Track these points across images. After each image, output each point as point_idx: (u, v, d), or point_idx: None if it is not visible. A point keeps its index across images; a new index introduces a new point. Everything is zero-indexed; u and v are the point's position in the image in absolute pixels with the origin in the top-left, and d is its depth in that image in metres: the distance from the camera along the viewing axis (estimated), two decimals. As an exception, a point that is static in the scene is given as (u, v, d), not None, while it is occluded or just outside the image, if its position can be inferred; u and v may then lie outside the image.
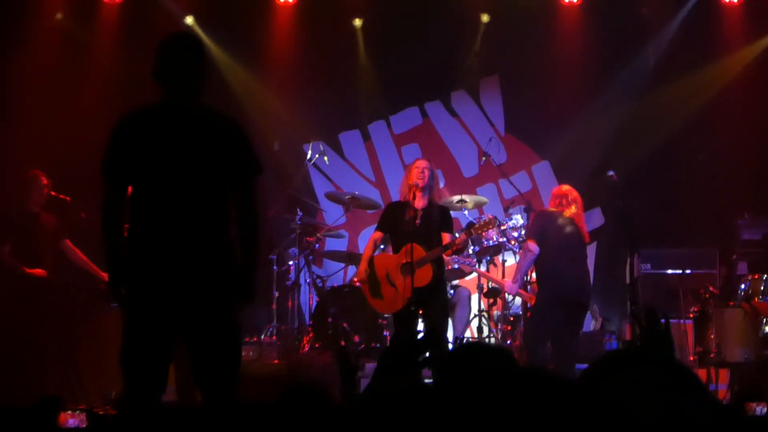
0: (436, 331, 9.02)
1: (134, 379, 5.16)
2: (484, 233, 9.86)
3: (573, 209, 9.36)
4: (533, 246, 9.29)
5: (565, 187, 9.59)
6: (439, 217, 9.26)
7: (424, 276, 9.01)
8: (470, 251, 10.81)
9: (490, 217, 9.87)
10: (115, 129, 5.30)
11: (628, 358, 2.11)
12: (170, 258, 5.15)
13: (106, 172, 5.27)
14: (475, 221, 10.12)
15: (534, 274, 9.86)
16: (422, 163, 9.40)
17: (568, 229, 9.29)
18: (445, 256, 9.42)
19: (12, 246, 9.76)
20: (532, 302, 9.71)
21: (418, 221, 9.16)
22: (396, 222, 9.34)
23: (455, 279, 11.17)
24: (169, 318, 5.15)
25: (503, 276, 10.92)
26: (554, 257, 9.22)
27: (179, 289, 5.14)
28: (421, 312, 9.13)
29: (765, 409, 8.05)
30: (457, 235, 9.40)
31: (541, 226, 9.37)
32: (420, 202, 9.23)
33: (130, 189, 5.33)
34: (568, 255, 9.26)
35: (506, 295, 10.90)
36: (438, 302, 9.19)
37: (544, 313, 9.25)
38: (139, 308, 5.18)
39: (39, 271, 9.71)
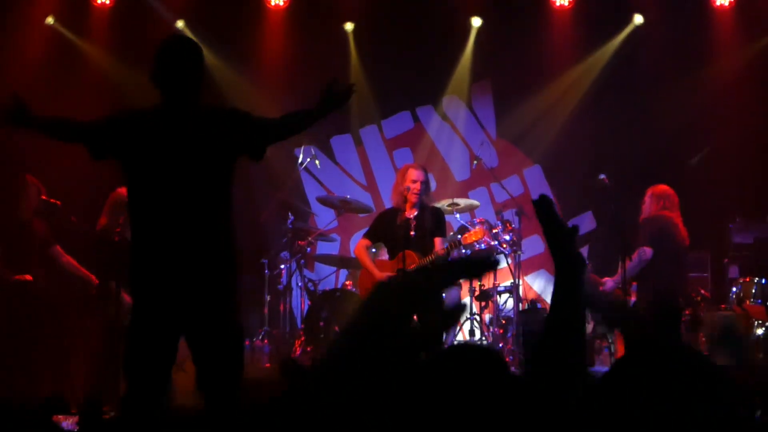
0: (434, 334, 9.01)
1: (137, 380, 5.15)
2: (469, 242, 9.83)
3: (678, 216, 9.50)
4: (649, 251, 9.38)
5: (668, 189, 9.69)
6: (432, 222, 9.26)
7: None
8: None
9: (479, 229, 9.87)
10: (112, 113, 5.36)
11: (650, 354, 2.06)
12: (174, 261, 5.14)
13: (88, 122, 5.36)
14: (467, 224, 10.13)
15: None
16: (418, 175, 9.38)
17: (678, 236, 9.40)
18: None
19: (2, 252, 9.72)
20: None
21: (412, 232, 9.16)
22: (389, 230, 9.34)
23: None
24: (172, 320, 5.14)
25: (495, 279, 10.92)
26: (662, 265, 9.33)
27: (183, 292, 5.12)
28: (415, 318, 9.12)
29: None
30: (446, 245, 9.42)
31: (658, 231, 9.45)
32: (412, 211, 9.23)
33: (125, 191, 5.35)
34: (673, 262, 9.36)
35: (498, 298, 10.90)
36: (433, 307, 9.15)
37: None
38: (144, 310, 5.18)
39: (27, 277, 9.65)
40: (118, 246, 9.06)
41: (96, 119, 5.35)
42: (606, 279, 10.01)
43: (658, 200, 9.57)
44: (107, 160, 5.32)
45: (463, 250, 10.68)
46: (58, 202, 9.99)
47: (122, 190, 9.26)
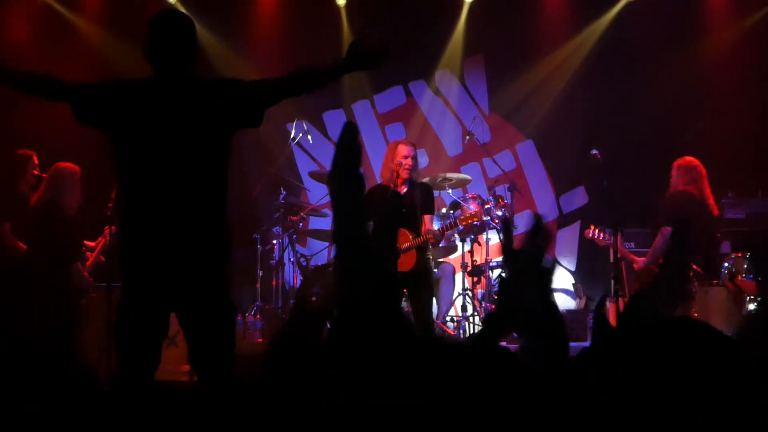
0: (423, 313, 9.01)
1: (127, 355, 5.14)
2: (466, 223, 9.83)
3: (705, 188, 9.61)
4: (668, 230, 9.53)
5: (693, 161, 9.78)
6: (421, 199, 9.23)
7: (407, 261, 9.03)
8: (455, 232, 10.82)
9: (476, 211, 9.88)
10: (102, 80, 5.30)
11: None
12: (166, 235, 5.09)
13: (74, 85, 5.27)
14: (459, 200, 10.13)
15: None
16: (408, 151, 9.33)
17: (700, 212, 9.54)
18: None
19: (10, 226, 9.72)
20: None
21: (403, 209, 9.14)
22: (378, 207, 9.34)
23: (441, 257, 11.17)
24: (163, 295, 5.11)
25: (488, 254, 10.93)
26: (683, 241, 9.49)
27: (174, 268, 5.09)
28: (407, 292, 9.13)
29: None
30: (437, 226, 9.43)
31: (677, 208, 9.56)
32: (402, 188, 9.22)
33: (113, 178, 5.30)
34: (695, 237, 9.51)
35: (490, 273, 10.92)
36: (424, 287, 9.14)
37: None
38: (134, 285, 5.15)
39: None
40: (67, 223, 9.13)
41: (85, 82, 5.29)
42: (639, 258, 10.08)
43: (684, 173, 9.66)
44: (92, 126, 5.21)
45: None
46: (50, 177, 9.97)
47: (63, 165, 9.33)
